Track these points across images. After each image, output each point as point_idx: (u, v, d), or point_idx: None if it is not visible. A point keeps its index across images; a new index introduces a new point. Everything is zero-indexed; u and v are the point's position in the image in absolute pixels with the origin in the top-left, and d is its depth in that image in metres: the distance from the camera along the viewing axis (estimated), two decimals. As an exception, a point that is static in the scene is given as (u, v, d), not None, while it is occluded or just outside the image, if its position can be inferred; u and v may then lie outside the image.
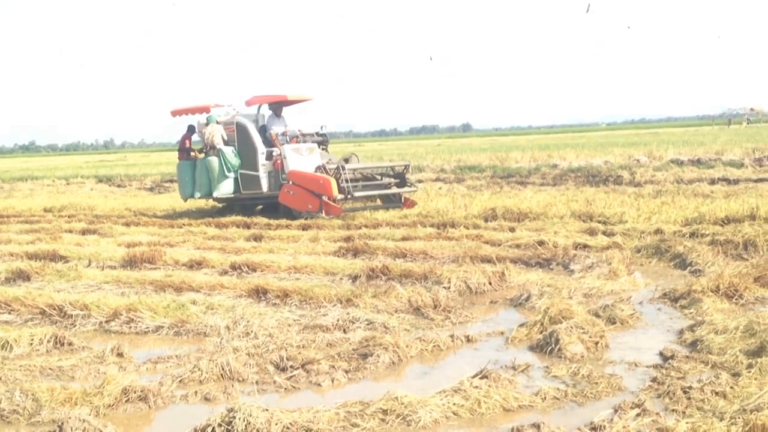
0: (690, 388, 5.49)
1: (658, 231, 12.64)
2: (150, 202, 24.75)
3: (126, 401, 5.87)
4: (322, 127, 19.94)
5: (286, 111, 19.69)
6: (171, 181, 35.61)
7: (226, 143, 18.78)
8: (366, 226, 15.32)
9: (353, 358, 6.77)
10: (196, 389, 6.16)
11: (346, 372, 6.49)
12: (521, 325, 7.53)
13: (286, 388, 6.22)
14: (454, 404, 5.39)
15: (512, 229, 13.72)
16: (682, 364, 6.16)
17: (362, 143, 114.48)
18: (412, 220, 15.54)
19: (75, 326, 8.44)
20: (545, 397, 5.61)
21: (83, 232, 16.76)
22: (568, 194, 19.59)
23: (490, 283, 9.66)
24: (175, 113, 20.28)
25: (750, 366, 5.86)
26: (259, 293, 9.40)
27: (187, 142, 20.16)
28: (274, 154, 18.34)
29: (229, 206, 19.76)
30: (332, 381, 6.33)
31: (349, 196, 17.37)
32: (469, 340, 7.39)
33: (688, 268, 10.12)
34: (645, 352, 6.75)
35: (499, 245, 12.22)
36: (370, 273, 10.26)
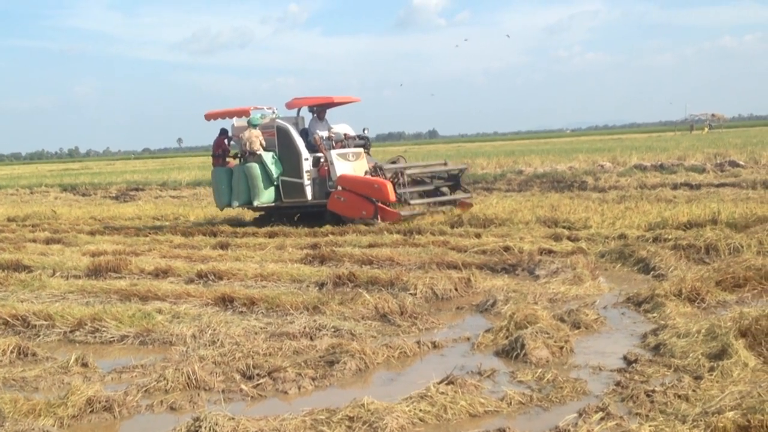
0: (653, 391, 5.55)
1: (621, 236, 12.76)
2: (115, 211, 24.55)
3: (90, 412, 5.83)
4: (364, 130, 18.75)
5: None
6: (136, 189, 35.41)
7: (264, 149, 17.59)
8: (332, 233, 15.32)
9: (320, 366, 6.78)
10: (162, 399, 6.13)
11: (313, 379, 6.49)
12: (487, 331, 7.57)
13: (252, 396, 6.21)
14: (420, 410, 5.41)
15: (478, 235, 13.77)
16: (645, 368, 6.22)
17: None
18: (379, 227, 15.54)
19: (39, 336, 8.36)
20: (511, 402, 5.65)
21: (47, 242, 16.60)
22: (533, 200, 19.72)
23: (456, 289, 9.71)
24: (209, 116, 18.92)
25: (712, 369, 5.94)
26: (225, 301, 9.36)
27: (222, 146, 18.81)
28: (321, 160, 17.38)
29: (267, 215, 18.61)
30: (299, 388, 6.33)
31: (406, 202, 16.57)
32: (435, 346, 7.41)
33: (652, 272, 10.23)
34: (609, 356, 6.81)
35: (465, 251, 12.26)
36: (336, 280, 10.26)
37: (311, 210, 17.81)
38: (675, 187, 21.97)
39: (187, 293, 9.77)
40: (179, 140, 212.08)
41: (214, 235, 16.47)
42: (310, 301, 8.93)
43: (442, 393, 5.65)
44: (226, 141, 18.64)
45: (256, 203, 17.75)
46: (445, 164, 18.86)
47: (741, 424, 4.46)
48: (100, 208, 26.83)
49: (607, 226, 14.05)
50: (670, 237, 11.98)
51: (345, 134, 18.11)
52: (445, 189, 18.17)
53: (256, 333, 7.94)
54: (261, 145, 17.45)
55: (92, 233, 18.09)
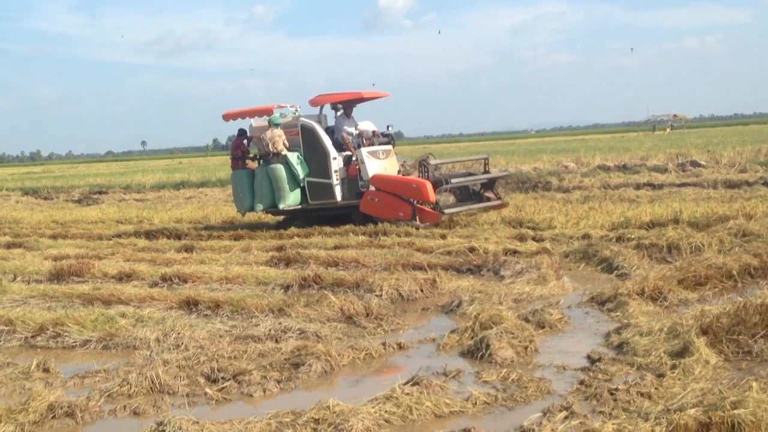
0: (616, 389, 5.60)
1: (585, 236, 12.85)
2: (78, 215, 24.30)
3: (52, 417, 5.77)
4: (388, 127, 17.68)
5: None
6: (100, 192, 35.09)
7: (288, 149, 16.74)
8: (298, 236, 15.28)
9: (285, 368, 6.75)
10: (125, 403, 6.07)
11: (278, 382, 6.47)
12: (452, 332, 7.59)
13: (217, 400, 6.18)
14: (385, 412, 5.41)
15: (443, 236, 13.81)
16: (608, 367, 6.27)
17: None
18: (345, 229, 15.53)
19: None
20: (476, 403, 5.66)
21: (8, 246, 16.41)
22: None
23: (421, 291, 9.72)
24: (228, 116, 18.00)
25: (674, 367, 6.00)
26: (190, 305, 9.30)
27: (241, 148, 17.83)
28: (353, 159, 16.53)
29: (291, 218, 17.51)
30: (264, 391, 6.30)
31: (439, 211, 15.52)
32: (400, 347, 7.42)
33: (615, 271, 10.31)
34: (573, 355, 6.86)
35: (431, 252, 12.29)
36: (302, 282, 10.24)
37: (340, 212, 16.89)
38: (638, 187, 22.15)
39: (151, 297, 9.69)
40: (143, 143, 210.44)
41: (179, 238, 16.37)
42: (276, 304, 8.90)
43: (408, 394, 5.65)
44: (245, 142, 17.83)
45: (281, 206, 16.84)
46: (486, 163, 17.84)
47: (702, 421, 4.51)
48: (62, 211, 26.52)
49: (572, 226, 14.15)
50: (633, 236, 12.08)
51: (373, 131, 17.25)
52: (478, 186, 17.19)
53: (220, 336, 7.90)
54: (284, 145, 16.67)
55: (54, 237, 17.89)
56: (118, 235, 17.34)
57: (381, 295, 9.42)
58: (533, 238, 13.02)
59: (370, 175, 16.14)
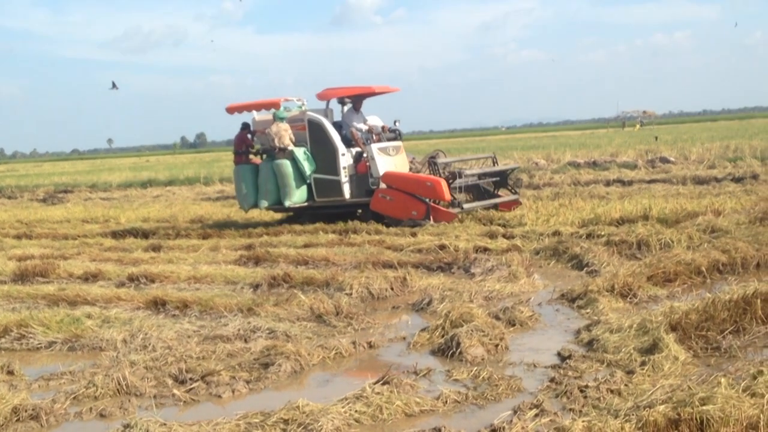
0: (586, 386, 5.60)
1: (556, 233, 12.88)
2: (43, 214, 24.02)
3: (16, 420, 5.68)
4: (395, 123, 17.13)
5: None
6: (65, 191, 34.75)
7: (294, 144, 16.22)
8: (267, 234, 15.20)
9: (254, 368, 6.69)
10: (91, 406, 5.98)
11: (247, 382, 6.41)
12: (423, 330, 7.55)
13: (185, 401, 6.11)
14: (356, 411, 5.37)
15: (414, 234, 13.79)
16: (579, 364, 6.27)
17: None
18: (314, 227, 15.46)
19: (-37, 344, 8.12)
20: (446, 401, 5.63)
21: (-27, 246, 16.15)
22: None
23: (392, 289, 9.69)
24: (232, 109, 17.22)
25: (643, 363, 6.01)
26: (157, 305, 9.22)
27: (246, 142, 17.17)
28: (364, 156, 16.06)
29: (296, 215, 17.11)
30: (233, 392, 6.24)
31: (458, 206, 15.31)
32: (371, 346, 7.38)
33: (585, 268, 10.33)
34: (544, 352, 6.85)
35: (401, 250, 12.26)
36: (271, 281, 10.18)
37: (346, 210, 16.48)
38: (608, 183, 22.28)
39: (117, 297, 9.58)
40: (110, 141, 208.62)
41: (146, 237, 16.22)
42: (245, 303, 8.83)
43: (378, 393, 5.61)
44: (249, 136, 17.20)
45: (287, 203, 16.31)
46: (495, 160, 17.78)
47: (671, 418, 4.51)
48: (27, 211, 26.21)
49: (542, 223, 14.18)
50: (603, 233, 12.13)
51: (383, 126, 16.74)
52: (489, 184, 16.98)
53: (189, 336, 7.81)
54: (291, 140, 16.13)
55: (18, 237, 17.67)
56: (84, 235, 17.13)
57: (351, 294, 9.37)
58: (504, 236, 13.03)
59: (381, 172, 15.70)
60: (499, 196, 16.74)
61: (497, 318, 7.72)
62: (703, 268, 9.35)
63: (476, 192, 16.74)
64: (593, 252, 10.72)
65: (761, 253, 9.89)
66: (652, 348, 6.28)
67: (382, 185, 15.69)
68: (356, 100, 16.88)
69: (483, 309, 7.96)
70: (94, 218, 21.23)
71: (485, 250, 11.85)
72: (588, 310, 8.06)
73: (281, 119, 16.22)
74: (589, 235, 12.23)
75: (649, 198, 16.71)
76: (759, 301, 7.08)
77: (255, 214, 18.84)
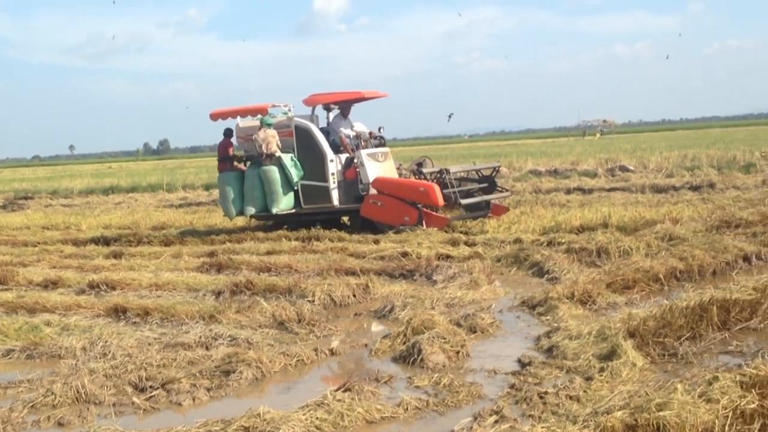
0: (546, 393, 5.65)
1: (517, 240, 12.97)
2: (2, 221, 23.74)
3: (-27, 430, 5.61)
4: (380, 129, 16.93)
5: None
6: (25, 197, 34.32)
7: (281, 150, 16.04)
8: (230, 241, 15.15)
9: (215, 376, 6.67)
10: (49, 414, 5.93)
11: (208, 390, 6.39)
12: (385, 337, 7.58)
13: (145, 409, 6.07)
14: (317, 419, 5.36)
15: (376, 241, 13.82)
16: (538, 370, 6.33)
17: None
18: (278, 234, 15.44)
19: None
20: (407, 408, 5.66)
21: (-71, 253, 15.91)
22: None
23: (354, 296, 9.70)
24: (216, 115, 16.98)
25: (602, 370, 6.08)
26: (118, 312, 9.17)
27: (230, 149, 17.09)
28: (354, 161, 15.83)
29: (279, 222, 16.75)
30: (193, 400, 6.22)
31: (456, 203, 15.41)
32: (333, 353, 7.39)
33: (546, 275, 10.42)
34: (504, 359, 6.90)
35: (364, 257, 12.30)
36: (234, 288, 10.16)
37: (334, 216, 16.51)
38: (568, 191, 22.47)
39: (77, 304, 9.51)
40: (71, 147, 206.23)
41: (108, 244, 16.09)
42: (207, 310, 8.81)
43: (339, 400, 5.62)
44: (233, 141, 17.10)
45: (274, 210, 16.08)
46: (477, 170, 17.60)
47: (629, 424, 4.56)
48: (-14, 217, 25.86)
49: (503, 230, 14.27)
50: (563, 241, 12.24)
51: (370, 132, 16.58)
52: (479, 193, 16.83)
53: (149, 344, 7.77)
54: (278, 146, 15.97)
55: (-23, 244, 17.43)
56: (45, 242, 16.96)
57: (313, 301, 9.38)
58: (465, 243, 13.10)
59: (371, 178, 15.55)
60: (488, 206, 16.58)
61: (458, 325, 7.75)
62: (661, 276, 9.48)
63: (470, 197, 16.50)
64: (554, 259, 10.81)
65: (717, 261, 10.06)
66: (611, 354, 6.36)
67: (373, 191, 15.53)
68: (344, 106, 16.76)
69: (444, 316, 8.00)
70: (54, 225, 21.02)
71: (447, 257, 11.92)
72: (548, 317, 8.13)
73: (268, 125, 16.08)
74: (549, 243, 12.34)
75: (608, 206, 16.89)
76: (715, 308, 7.20)
77: (218, 221, 18.78)
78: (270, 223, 17.14)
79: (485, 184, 16.88)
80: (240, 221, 18.34)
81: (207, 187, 33.05)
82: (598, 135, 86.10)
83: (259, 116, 16.27)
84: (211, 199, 28.79)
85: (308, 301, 9.34)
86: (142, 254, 14.23)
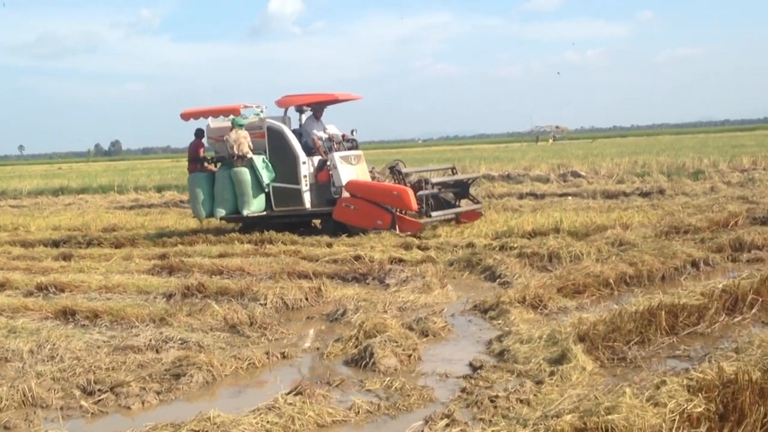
0: (496, 396, 5.69)
1: (470, 245, 13.03)
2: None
3: None
4: (353, 132, 16.74)
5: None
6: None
7: (252, 151, 15.81)
8: (182, 244, 15.02)
9: (165, 379, 6.61)
10: (-5, 418, 5.83)
11: (158, 393, 6.33)
12: (337, 340, 7.57)
13: (93, 413, 6.00)
14: (267, 422, 5.34)
15: (329, 245, 13.80)
16: (489, 374, 6.36)
17: (180, 158, 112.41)
18: (230, 237, 15.35)
19: None
20: (359, 411, 5.66)
21: None
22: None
23: (306, 299, 9.67)
24: (187, 115, 16.71)
25: (552, 373, 6.13)
26: (66, 314, 9.05)
27: (201, 149, 16.92)
28: (327, 164, 15.68)
29: (249, 225, 16.35)
30: (143, 403, 6.15)
31: (426, 214, 15.12)
32: (284, 356, 7.36)
33: (498, 280, 10.48)
34: (456, 363, 6.93)
35: (317, 261, 12.27)
36: (185, 291, 10.08)
37: (305, 219, 16.40)
38: (521, 196, 22.64)
39: (25, 306, 9.36)
40: (21, 147, 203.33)
41: (57, 245, 15.86)
42: (157, 313, 8.73)
43: (291, 404, 5.60)
44: (205, 143, 16.91)
45: (245, 212, 15.85)
46: (454, 170, 17.72)
47: (578, 427, 4.60)
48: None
49: (456, 234, 14.34)
50: (515, 245, 12.31)
51: (343, 135, 16.39)
52: (450, 196, 16.86)
53: (98, 347, 7.67)
54: (250, 147, 15.73)
55: None
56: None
57: (265, 304, 9.33)
58: (418, 247, 13.13)
59: (344, 181, 15.43)
60: (459, 207, 16.61)
61: (411, 329, 7.77)
62: (611, 281, 9.59)
63: (436, 202, 16.29)
64: (506, 264, 10.88)
65: (666, 266, 10.20)
66: (561, 358, 6.41)
67: (345, 194, 15.39)
68: (317, 108, 16.62)
69: (397, 320, 8.01)
70: (2, 226, 20.68)
71: (400, 261, 11.93)
72: (500, 321, 8.17)
73: (240, 126, 15.89)
74: (502, 247, 12.41)
75: (560, 211, 17.06)
76: (663, 312, 7.30)
77: (170, 223, 18.63)
78: (236, 225, 16.91)
79: (458, 189, 16.82)
80: (192, 223, 18.22)
81: (159, 189, 32.77)
82: (550, 141, 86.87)
83: (231, 117, 16.06)
84: (163, 201, 28.58)
85: (260, 304, 9.29)
86: (92, 256, 14.05)
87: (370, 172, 16.29)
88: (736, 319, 7.72)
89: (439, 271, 10.79)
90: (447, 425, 5.15)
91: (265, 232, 15.32)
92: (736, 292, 8.00)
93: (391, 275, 10.69)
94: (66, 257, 13.97)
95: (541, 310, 8.57)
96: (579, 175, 27.12)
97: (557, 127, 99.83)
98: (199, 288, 10.09)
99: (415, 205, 14.87)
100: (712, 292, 7.95)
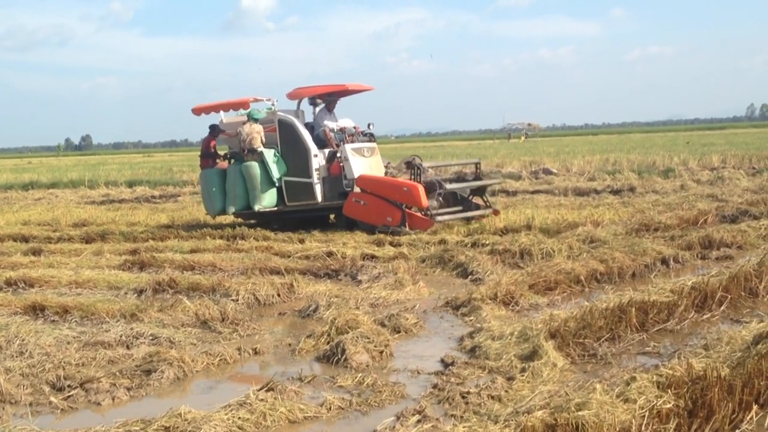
0: (468, 393, 5.70)
1: (442, 241, 13.06)
2: None
3: None
4: (369, 125, 16.47)
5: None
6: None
7: (265, 145, 15.54)
8: (153, 239, 14.93)
9: (136, 375, 6.57)
10: (-37, 414, 5.76)
11: (128, 389, 6.29)
12: (308, 336, 7.55)
13: (62, 409, 5.95)
14: (239, 418, 5.32)
15: (302, 241, 13.78)
16: (461, 370, 6.38)
17: (152, 153, 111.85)
18: (202, 232, 15.28)
19: None
20: (330, 408, 5.65)
21: None
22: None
23: (278, 295, 9.65)
24: (198, 110, 16.67)
25: (523, 370, 6.17)
26: (36, 310, 8.96)
27: (213, 145, 16.82)
28: (337, 156, 15.35)
29: (264, 221, 16.08)
30: (113, 399, 6.11)
31: (432, 217, 14.61)
32: (256, 352, 7.34)
33: (470, 276, 10.51)
34: (427, 359, 6.94)
35: (289, 257, 12.25)
36: (156, 286, 10.03)
37: (319, 214, 15.98)
38: (493, 193, 22.65)
39: (-7, 302, 9.26)
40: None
41: (26, 240, 15.70)
42: (128, 309, 8.67)
43: (262, 400, 5.59)
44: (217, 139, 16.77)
45: (256, 208, 15.60)
46: (478, 167, 17.16)
47: (549, 423, 4.63)
48: None
49: (428, 231, 14.34)
50: (487, 242, 12.36)
51: (355, 127, 16.09)
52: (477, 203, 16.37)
53: (68, 342, 7.61)
54: (262, 141, 15.46)
55: None
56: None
57: (237, 300, 9.30)
58: (391, 243, 13.14)
59: (356, 174, 15.08)
60: (477, 207, 16.12)
61: (383, 325, 7.78)
62: (582, 278, 9.65)
63: (453, 199, 16.05)
64: (478, 260, 10.91)
65: (636, 263, 10.28)
66: (532, 355, 6.45)
67: (356, 189, 15.06)
68: (329, 100, 16.40)
69: (369, 316, 8.01)
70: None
71: (372, 257, 11.94)
72: (471, 318, 8.20)
73: (255, 120, 15.67)
74: (474, 244, 12.45)
75: (532, 208, 17.13)
76: (633, 309, 7.37)
77: (141, 218, 18.52)
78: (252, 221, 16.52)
79: (477, 186, 16.32)
80: (163, 218, 18.13)
81: (130, 184, 32.59)
82: (522, 138, 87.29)
83: (249, 110, 15.84)
84: (134, 196, 28.42)
85: (232, 300, 9.26)
86: (62, 251, 13.93)
87: (386, 166, 15.93)
88: (705, 316, 7.80)
89: (411, 268, 10.80)
90: (418, 421, 5.17)
91: (237, 228, 15.27)
92: (706, 290, 8.08)
93: (363, 271, 10.69)
94: (36, 252, 13.84)
95: (512, 306, 8.61)
96: (551, 173, 27.28)
97: (529, 124, 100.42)
98: (170, 283, 10.05)
99: (426, 203, 14.55)
100: (682, 290, 8.02)
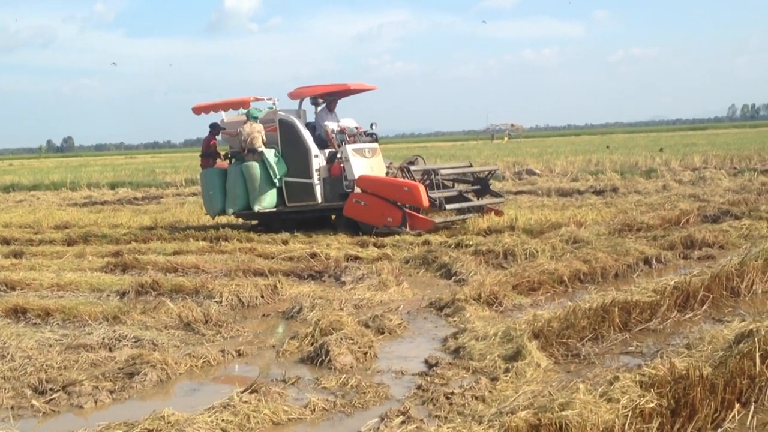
0: (452, 393, 5.71)
1: (425, 242, 13.07)
2: None
3: None
4: (372, 126, 16.34)
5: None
6: None
7: (265, 145, 15.43)
8: (136, 241, 14.89)
9: (119, 378, 6.53)
10: (-56, 418, 5.72)
11: (111, 392, 6.25)
12: (292, 338, 7.54)
13: (44, 413, 5.91)
14: (222, 420, 5.30)
15: (285, 242, 13.77)
16: (445, 371, 6.38)
17: (134, 155, 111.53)
18: (185, 234, 15.24)
19: None
20: (314, 409, 5.64)
21: None
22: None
23: (262, 297, 9.63)
24: (198, 109, 16.58)
25: (507, 370, 6.17)
26: (17, 313, 8.90)
27: (213, 144, 16.75)
28: (338, 156, 15.17)
29: (265, 222, 16.10)
30: (96, 402, 6.08)
31: (440, 208, 14.56)
32: (240, 354, 7.33)
33: (453, 277, 10.52)
34: (411, 360, 6.94)
35: (272, 258, 12.23)
36: (139, 288, 9.99)
37: (319, 215, 15.85)
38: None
39: (-26, 305, 9.18)
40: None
41: (7, 243, 15.62)
42: (110, 311, 8.62)
43: (246, 402, 5.57)
44: (218, 138, 16.67)
45: (256, 208, 15.48)
46: (491, 174, 16.89)
47: (532, 423, 4.64)
48: None
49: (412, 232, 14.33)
50: (471, 243, 12.39)
51: (356, 127, 15.97)
52: (483, 198, 16.16)
53: (50, 345, 7.55)
54: (263, 141, 15.33)
55: None
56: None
57: (221, 302, 9.28)
58: (374, 244, 13.14)
59: (356, 175, 14.85)
60: (482, 206, 15.84)
61: (367, 326, 7.77)
62: (565, 278, 9.67)
63: (458, 200, 15.80)
64: (461, 261, 10.92)
65: (619, 264, 10.32)
66: (516, 355, 6.45)
67: (357, 189, 14.85)
68: (330, 99, 16.33)
69: (353, 317, 8.00)
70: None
71: (356, 258, 11.94)
72: (455, 318, 8.20)
73: (255, 119, 15.56)
74: (457, 245, 12.47)
75: (515, 209, 17.15)
76: (616, 309, 7.39)
77: (123, 220, 18.44)
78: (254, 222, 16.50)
79: (478, 187, 16.26)
80: (146, 220, 18.06)
81: (112, 186, 32.46)
82: (506, 139, 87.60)
83: (248, 109, 15.73)
84: (117, 198, 28.30)
85: (215, 302, 9.23)
86: (44, 254, 13.86)
87: (388, 167, 15.77)
88: (687, 316, 7.83)
89: (395, 269, 10.79)
90: (403, 422, 5.16)
91: (221, 229, 15.24)
92: (688, 289, 8.11)
93: (347, 273, 10.68)
94: (17, 255, 13.76)
95: (496, 307, 8.62)
96: (534, 173, 27.36)
97: (512, 125, 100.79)
98: (153, 285, 10.01)
99: (427, 203, 14.37)
100: (664, 289, 8.05)
